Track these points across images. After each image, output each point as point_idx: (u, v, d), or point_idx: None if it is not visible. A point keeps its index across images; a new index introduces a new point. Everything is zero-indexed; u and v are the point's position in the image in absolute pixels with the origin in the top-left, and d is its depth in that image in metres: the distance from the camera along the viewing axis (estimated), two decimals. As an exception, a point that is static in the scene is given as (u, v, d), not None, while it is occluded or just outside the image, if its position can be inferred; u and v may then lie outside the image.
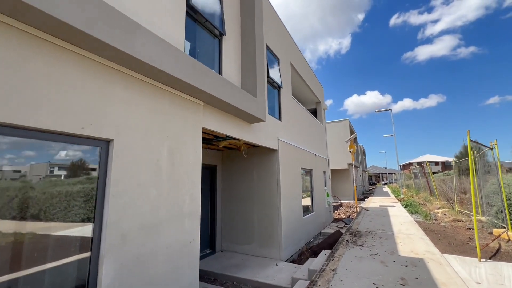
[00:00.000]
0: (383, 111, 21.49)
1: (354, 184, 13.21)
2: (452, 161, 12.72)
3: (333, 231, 9.16)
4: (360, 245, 5.90)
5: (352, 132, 23.69)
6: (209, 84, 3.54)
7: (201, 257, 6.04)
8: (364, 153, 45.56)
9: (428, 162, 13.48)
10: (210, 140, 5.38)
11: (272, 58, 6.91)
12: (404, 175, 33.80)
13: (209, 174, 6.89)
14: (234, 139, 5.03)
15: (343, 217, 13.50)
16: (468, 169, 11.66)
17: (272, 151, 6.42)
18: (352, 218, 12.60)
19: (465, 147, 26.19)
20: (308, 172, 9.22)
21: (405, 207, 13.08)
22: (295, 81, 9.57)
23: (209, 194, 6.85)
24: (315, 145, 10.44)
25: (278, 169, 6.29)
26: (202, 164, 4.95)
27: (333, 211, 15.38)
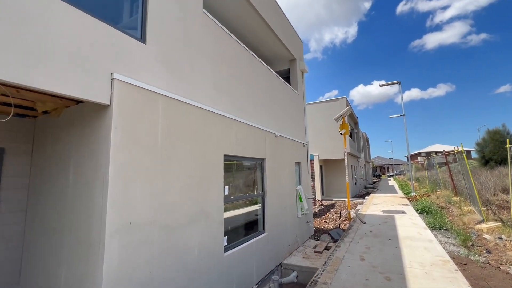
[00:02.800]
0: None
1: (347, 180, 9.23)
2: (474, 149, 8.60)
3: (297, 270, 5.28)
4: None
5: (351, 113, 19.50)
6: None
7: None
8: (368, 142, 41.25)
9: (460, 148, 9.34)
10: None
11: None
12: (414, 166, 29.56)
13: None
14: None
15: (331, 226, 9.60)
16: (493, 159, 7.58)
17: (98, 111, 2.47)
18: (343, 230, 8.70)
19: (490, 132, 21.83)
20: (257, 164, 5.29)
21: (420, 213, 9.07)
22: (248, 19, 5.57)
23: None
24: (280, 121, 6.46)
25: (107, 157, 2.34)
26: None
27: (324, 214, 11.50)
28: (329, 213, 11.87)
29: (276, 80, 6.47)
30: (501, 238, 5.10)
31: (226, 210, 4.06)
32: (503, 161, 21.65)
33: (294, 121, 7.59)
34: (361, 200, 15.62)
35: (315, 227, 9.58)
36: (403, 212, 9.12)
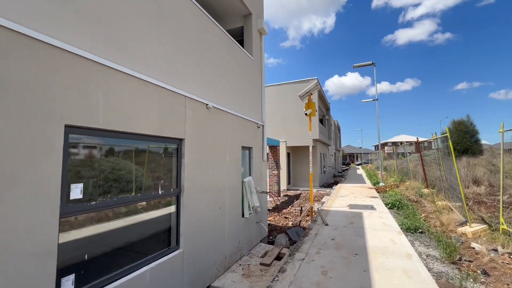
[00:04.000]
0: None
1: (311, 169, 7.77)
2: (441, 136, 7.61)
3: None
4: None
5: (322, 96, 18.16)
6: None
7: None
8: (339, 130, 41.09)
9: (434, 137, 8.25)
10: None
11: None
12: (382, 155, 29.64)
13: None
14: None
15: (291, 223, 8.19)
16: (457, 149, 6.67)
17: None
18: (303, 228, 7.31)
19: (455, 123, 21.92)
20: (169, 148, 3.46)
21: (390, 208, 7.94)
22: None
23: None
24: (219, 88, 4.65)
25: None
26: None
27: (286, 207, 10.10)
28: (292, 206, 10.52)
29: (213, 28, 4.57)
30: (496, 250, 3.90)
31: (86, 222, 2.25)
32: (465, 151, 22.01)
33: (245, 94, 5.81)
34: (328, 190, 14.59)
35: (272, 224, 8.11)
36: (372, 208, 7.94)
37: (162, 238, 3.37)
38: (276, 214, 9.33)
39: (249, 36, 6.46)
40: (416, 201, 8.65)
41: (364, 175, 23.49)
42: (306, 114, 7.56)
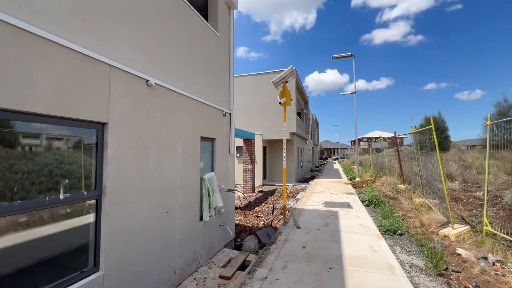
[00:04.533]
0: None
1: (284, 164, 7.06)
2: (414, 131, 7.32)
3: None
4: None
5: (300, 88, 17.57)
6: None
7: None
8: (317, 125, 41.20)
9: (413, 130, 7.88)
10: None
11: None
12: (358, 150, 29.97)
13: None
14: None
15: (262, 223, 7.49)
16: (428, 145, 6.36)
17: None
18: (275, 228, 6.62)
19: (427, 119, 22.42)
20: (95, 138, 2.52)
21: (367, 205, 7.50)
22: None
23: None
24: (170, 62, 3.72)
25: None
26: None
27: (259, 204, 9.37)
28: (265, 203, 9.84)
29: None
30: (485, 258, 3.42)
31: None
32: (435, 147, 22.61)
33: (207, 74, 4.90)
34: (304, 185, 14.12)
35: (242, 224, 7.36)
36: (349, 206, 7.43)
37: (73, 258, 2.45)
38: (248, 212, 8.59)
39: (214, 9, 5.53)
40: (393, 198, 8.30)
41: (340, 169, 23.49)
42: (280, 103, 6.80)
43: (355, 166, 25.39)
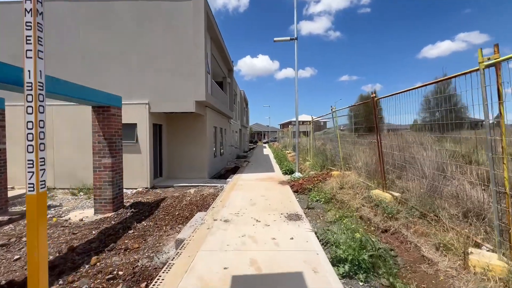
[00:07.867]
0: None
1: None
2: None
3: None
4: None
5: (221, 47, 11.82)
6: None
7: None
8: (247, 104, 36.64)
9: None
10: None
11: None
12: (289, 133, 26.73)
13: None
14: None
15: None
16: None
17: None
18: None
19: (363, 98, 20.19)
20: None
21: (351, 277, 2.70)
22: None
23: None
24: None
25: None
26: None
27: (92, 254, 3.46)
28: (106, 252, 4.17)
29: None
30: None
31: None
32: (371, 130, 20.79)
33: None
34: (219, 185, 8.97)
35: None
36: (302, 275, 2.52)
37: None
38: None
39: None
40: (385, 231, 3.86)
41: (271, 156, 19.41)
42: None
43: (289, 151, 21.75)
